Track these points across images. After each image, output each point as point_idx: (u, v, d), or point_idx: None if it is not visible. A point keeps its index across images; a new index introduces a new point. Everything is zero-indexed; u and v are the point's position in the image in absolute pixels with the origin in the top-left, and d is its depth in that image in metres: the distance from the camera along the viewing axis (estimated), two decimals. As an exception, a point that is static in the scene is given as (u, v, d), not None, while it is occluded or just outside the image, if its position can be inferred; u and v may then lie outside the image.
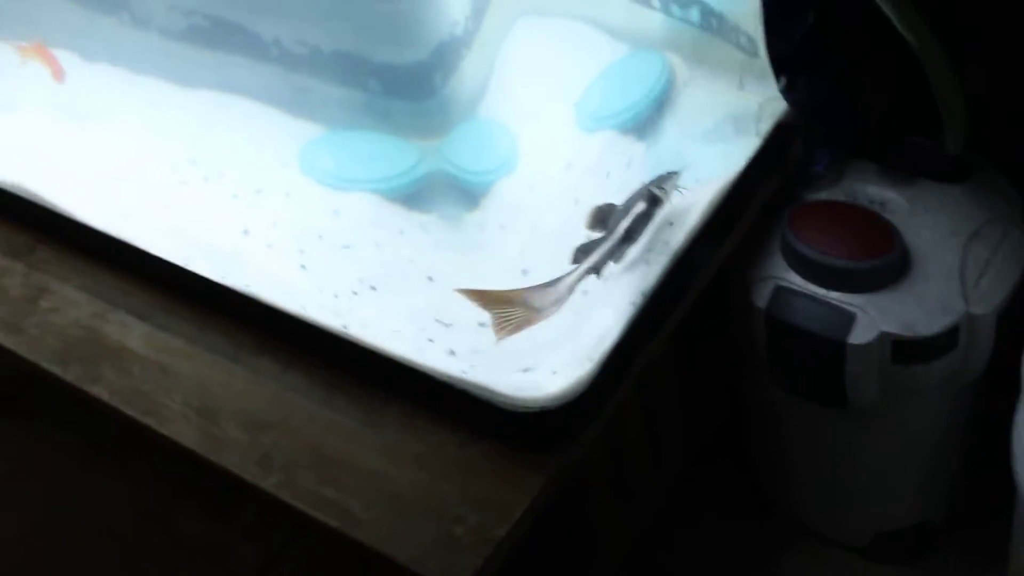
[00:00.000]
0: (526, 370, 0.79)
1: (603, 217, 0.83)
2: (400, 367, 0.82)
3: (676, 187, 0.83)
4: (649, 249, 0.84)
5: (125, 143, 1.04)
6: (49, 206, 0.98)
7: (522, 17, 0.91)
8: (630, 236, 0.82)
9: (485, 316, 0.78)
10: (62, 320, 0.95)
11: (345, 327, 0.85)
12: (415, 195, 0.92)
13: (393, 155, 0.92)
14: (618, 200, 0.84)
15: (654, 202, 0.83)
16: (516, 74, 0.90)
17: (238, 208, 0.97)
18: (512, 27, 0.90)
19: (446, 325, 0.84)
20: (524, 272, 0.87)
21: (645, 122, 0.92)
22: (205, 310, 0.93)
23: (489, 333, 0.78)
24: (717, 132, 0.92)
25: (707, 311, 0.92)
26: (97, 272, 0.98)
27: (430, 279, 0.89)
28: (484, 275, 0.84)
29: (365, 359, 0.84)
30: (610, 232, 0.82)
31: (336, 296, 0.89)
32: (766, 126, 0.91)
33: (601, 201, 0.85)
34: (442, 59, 0.83)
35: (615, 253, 0.81)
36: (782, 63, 0.90)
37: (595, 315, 0.81)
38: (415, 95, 0.84)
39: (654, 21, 0.91)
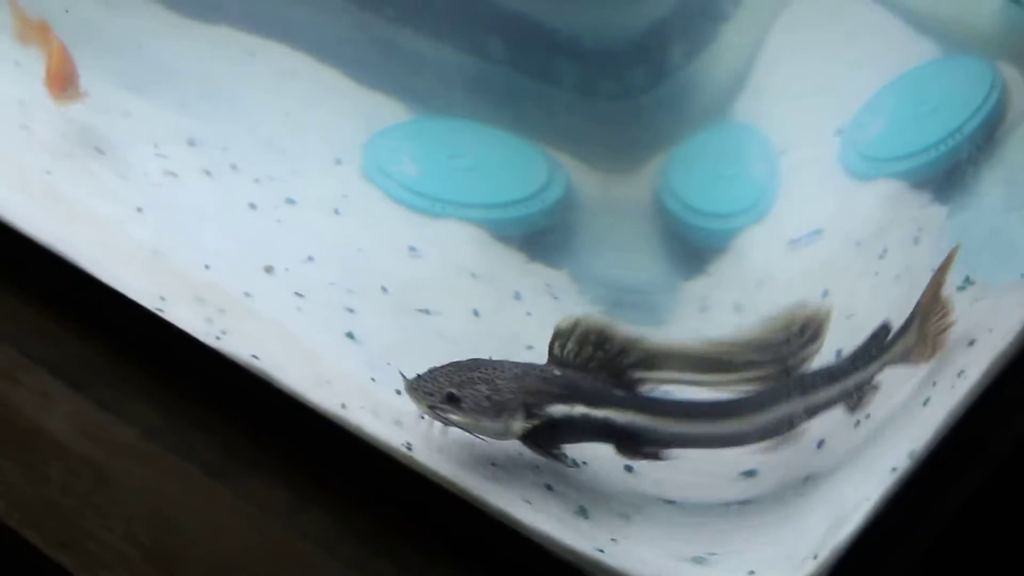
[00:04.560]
0: (698, 560, 0.67)
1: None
2: (498, 528, 0.69)
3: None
4: (930, 380, 0.71)
5: (76, 106, 0.89)
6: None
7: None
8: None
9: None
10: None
11: (408, 447, 0.71)
12: (538, 235, 0.79)
13: (519, 165, 0.78)
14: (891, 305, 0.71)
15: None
16: (776, 67, 0.74)
17: (257, 227, 0.82)
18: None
19: (581, 464, 0.71)
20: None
21: (952, 172, 0.77)
22: (179, 387, 0.79)
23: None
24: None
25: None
26: (13, 304, 0.86)
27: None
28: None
29: (435, 499, 0.72)
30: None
31: (402, 392, 0.73)
32: None
33: (865, 299, 0.71)
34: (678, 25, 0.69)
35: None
36: None
37: (827, 483, 0.68)
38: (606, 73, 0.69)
39: (987, 5, 0.78)
